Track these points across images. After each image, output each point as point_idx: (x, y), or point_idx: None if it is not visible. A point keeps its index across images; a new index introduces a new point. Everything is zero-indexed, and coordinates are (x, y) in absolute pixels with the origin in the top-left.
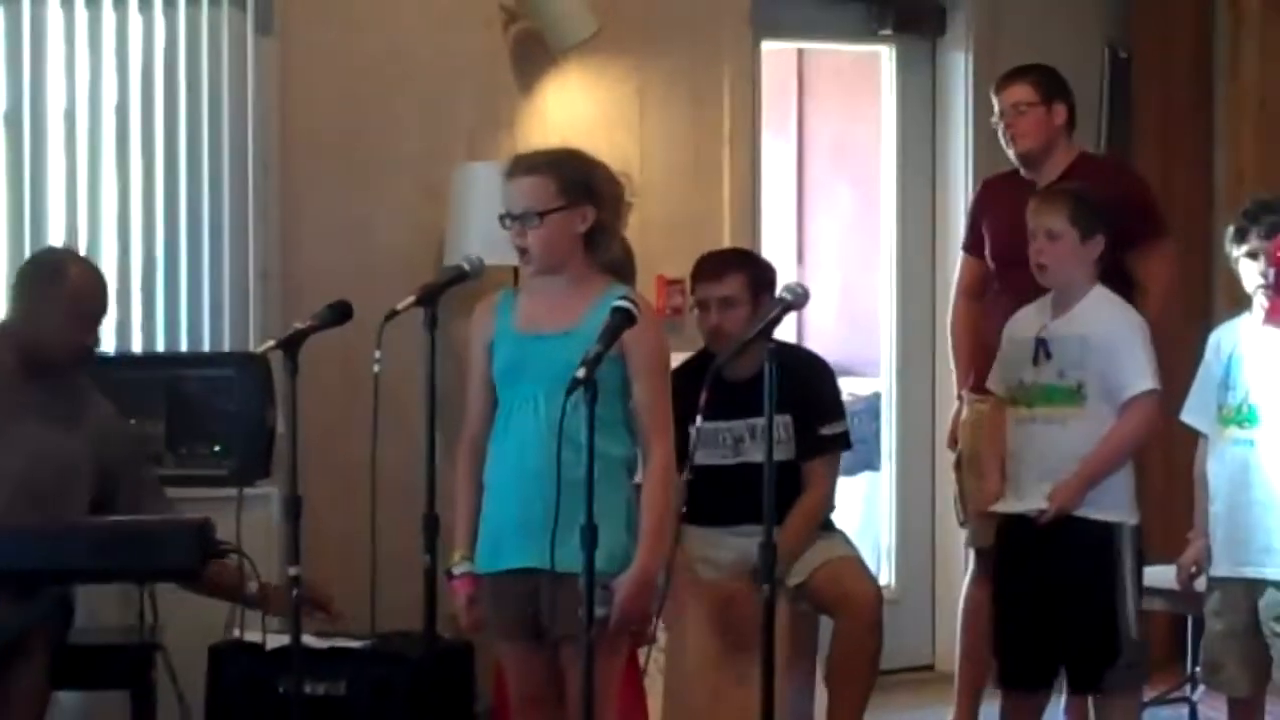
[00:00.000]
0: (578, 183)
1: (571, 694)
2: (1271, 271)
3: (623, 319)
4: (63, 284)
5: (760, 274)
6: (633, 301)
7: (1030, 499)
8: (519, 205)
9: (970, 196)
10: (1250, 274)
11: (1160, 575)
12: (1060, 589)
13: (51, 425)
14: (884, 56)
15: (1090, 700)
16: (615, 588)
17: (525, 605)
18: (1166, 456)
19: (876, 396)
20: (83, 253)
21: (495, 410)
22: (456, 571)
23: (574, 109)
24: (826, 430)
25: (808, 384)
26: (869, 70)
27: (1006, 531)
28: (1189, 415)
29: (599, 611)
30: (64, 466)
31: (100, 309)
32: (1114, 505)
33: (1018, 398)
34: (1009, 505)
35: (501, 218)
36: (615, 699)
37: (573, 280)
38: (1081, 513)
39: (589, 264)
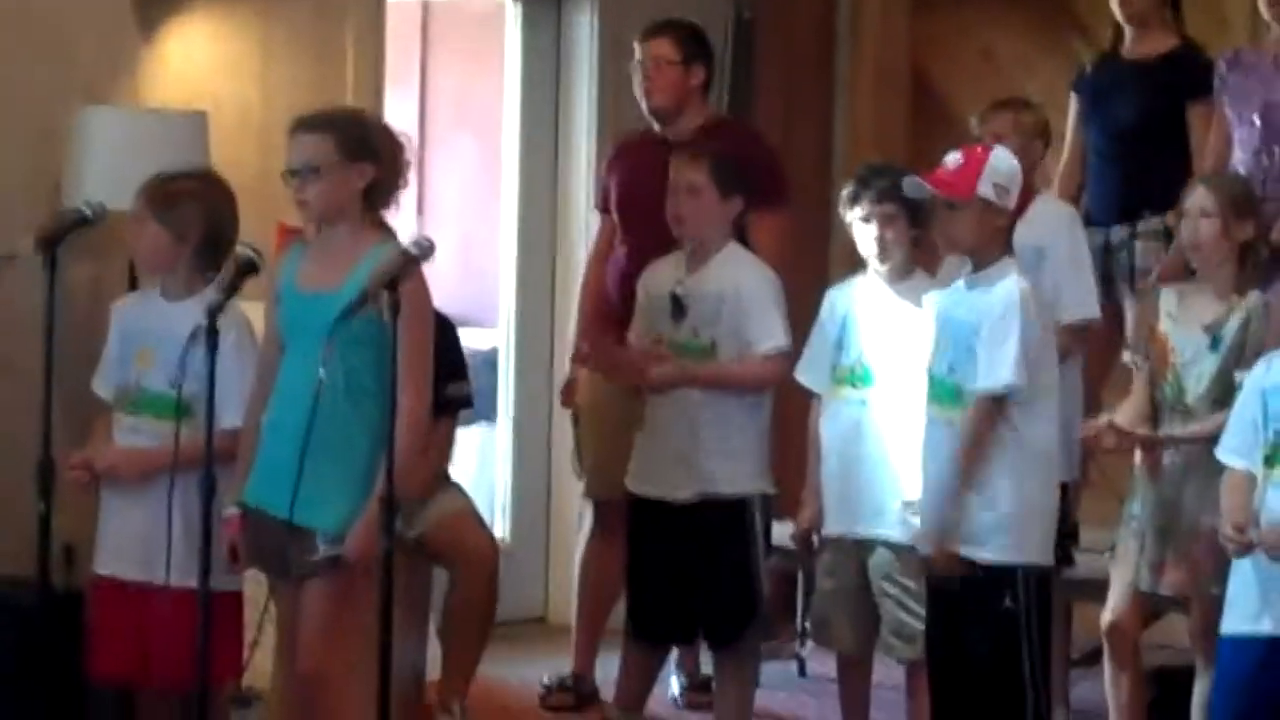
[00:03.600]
0: (356, 140)
1: (297, 629)
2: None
3: (402, 262)
4: None
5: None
6: (416, 250)
7: (665, 483)
8: (298, 161)
9: (594, 154)
10: (864, 237)
11: (775, 533)
12: (697, 558)
13: None
14: (509, 12)
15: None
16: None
17: (269, 542)
18: (781, 415)
19: (494, 350)
20: None
21: None
22: (225, 515)
23: (197, 56)
24: (451, 390)
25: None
26: (494, 25)
27: (639, 502)
28: (803, 375)
29: (329, 552)
30: None
31: None
32: (750, 477)
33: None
34: (642, 487)
35: (284, 173)
36: (339, 635)
37: (348, 235)
38: (717, 490)
39: (367, 220)
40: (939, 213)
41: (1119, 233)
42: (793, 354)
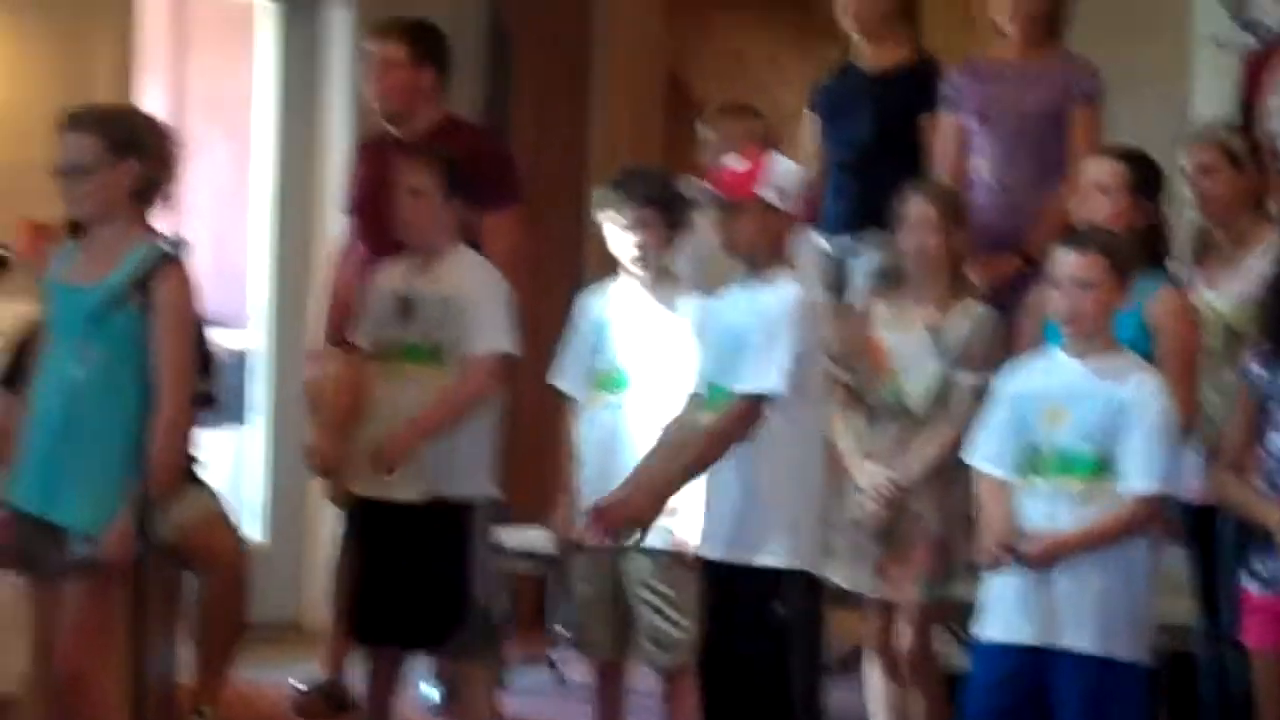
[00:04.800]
0: (123, 139)
1: (53, 630)
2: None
3: (155, 259)
4: None
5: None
6: (170, 249)
7: (389, 483)
8: (65, 160)
9: (348, 155)
10: (621, 242)
11: (526, 538)
12: (412, 559)
13: None
14: (263, 9)
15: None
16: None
17: (26, 540)
18: (536, 419)
19: (244, 351)
20: None
21: None
22: None
23: None
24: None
25: None
26: (249, 21)
27: (360, 501)
28: (559, 379)
29: (84, 552)
30: None
31: None
32: (469, 481)
33: (380, 353)
34: (364, 489)
35: (53, 171)
36: (97, 636)
37: (115, 232)
38: (447, 493)
39: (137, 218)
40: (721, 216)
41: (846, 243)
42: (514, 358)
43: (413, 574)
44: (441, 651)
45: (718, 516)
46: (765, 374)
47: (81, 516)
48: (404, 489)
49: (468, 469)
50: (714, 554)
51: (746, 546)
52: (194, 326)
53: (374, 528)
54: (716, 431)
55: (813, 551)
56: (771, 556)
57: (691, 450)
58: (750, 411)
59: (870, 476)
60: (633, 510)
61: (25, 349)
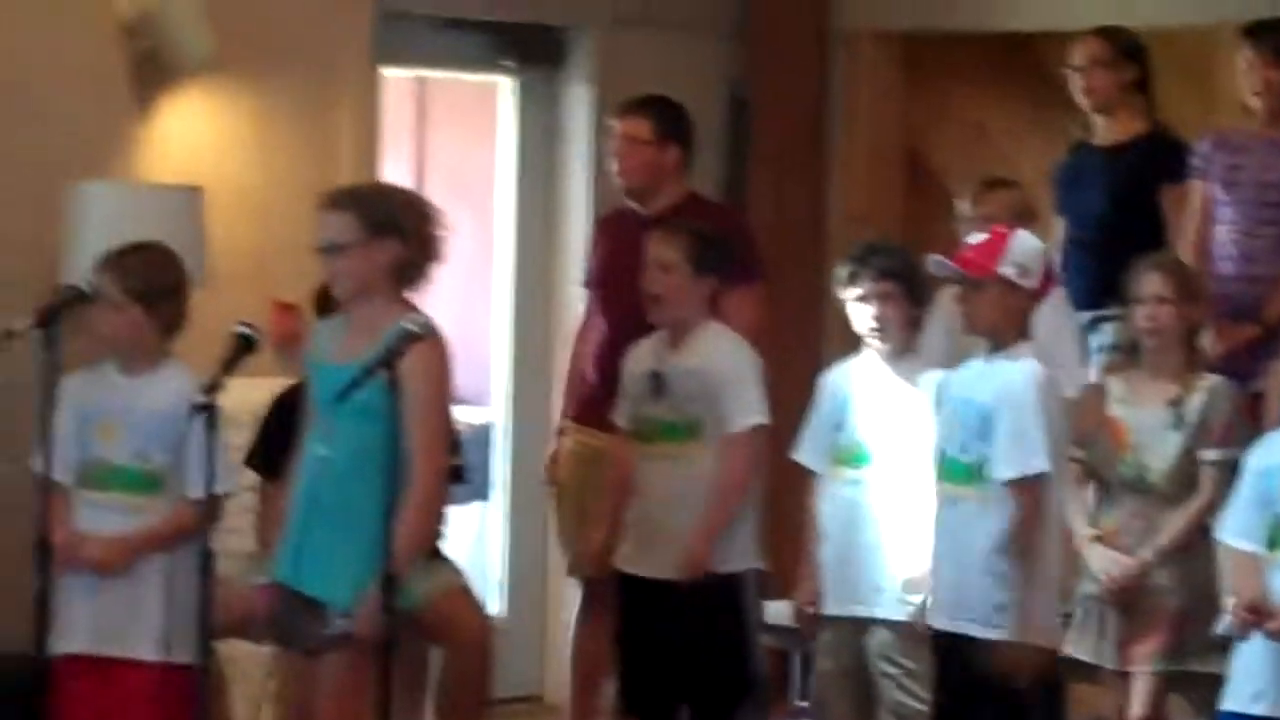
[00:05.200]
0: (381, 217)
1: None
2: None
3: (402, 339)
4: None
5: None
6: (417, 328)
7: (657, 562)
8: (324, 238)
9: (587, 230)
10: (861, 316)
11: (767, 611)
12: (691, 636)
13: None
14: (505, 87)
15: None
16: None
17: (285, 614)
18: (778, 494)
19: (487, 426)
20: None
21: None
22: (257, 581)
23: (195, 130)
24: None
25: None
26: (490, 100)
27: (629, 580)
28: (802, 455)
29: (341, 628)
30: None
31: None
32: (739, 555)
33: (640, 432)
34: (634, 567)
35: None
36: (354, 706)
37: (375, 310)
38: (713, 568)
39: (396, 297)
40: (962, 292)
41: (1084, 320)
42: (769, 429)
43: (697, 649)
44: None
45: (947, 584)
46: (1032, 458)
47: (335, 591)
48: (672, 568)
49: (735, 542)
50: (941, 624)
51: (989, 623)
52: (447, 403)
53: (642, 604)
54: (1019, 527)
55: (1054, 625)
56: (1011, 632)
57: (1008, 553)
58: (1035, 492)
59: (1102, 561)
60: None
61: (272, 429)
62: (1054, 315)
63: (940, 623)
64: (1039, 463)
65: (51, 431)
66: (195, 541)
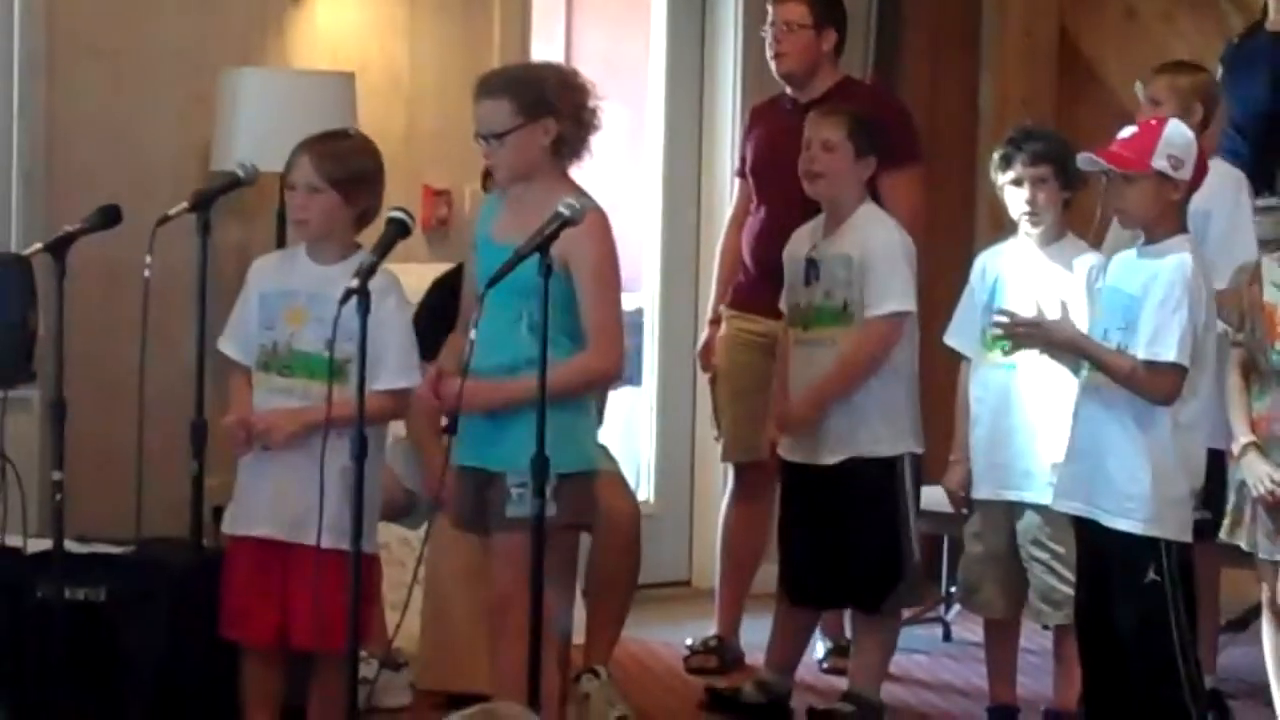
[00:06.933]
0: (534, 99)
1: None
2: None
3: (555, 224)
4: None
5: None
6: (576, 208)
7: (813, 448)
8: (482, 127)
9: (738, 118)
10: (1015, 200)
11: (923, 496)
12: (845, 520)
13: None
14: None
15: (849, 616)
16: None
17: (468, 494)
18: (929, 379)
19: (639, 313)
20: None
21: None
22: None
23: (344, 16)
24: None
25: None
26: None
27: (789, 466)
28: (952, 338)
29: (518, 511)
30: None
31: None
32: (898, 437)
33: (794, 319)
34: (791, 454)
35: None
36: (517, 566)
37: (540, 191)
38: (868, 452)
39: (558, 175)
40: (1113, 185)
41: None
42: (912, 316)
43: (848, 536)
44: (875, 611)
45: (1082, 471)
46: (1164, 347)
47: (513, 462)
48: (828, 453)
49: (888, 427)
50: (1075, 509)
51: (1120, 514)
52: (618, 277)
53: (800, 489)
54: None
55: (1184, 521)
56: (1141, 525)
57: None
58: (1150, 380)
59: (1256, 473)
60: None
61: (430, 313)
62: (1234, 206)
63: (1074, 507)
64: (1170, 355)
65: (233, 313)
66: (372, 431)
